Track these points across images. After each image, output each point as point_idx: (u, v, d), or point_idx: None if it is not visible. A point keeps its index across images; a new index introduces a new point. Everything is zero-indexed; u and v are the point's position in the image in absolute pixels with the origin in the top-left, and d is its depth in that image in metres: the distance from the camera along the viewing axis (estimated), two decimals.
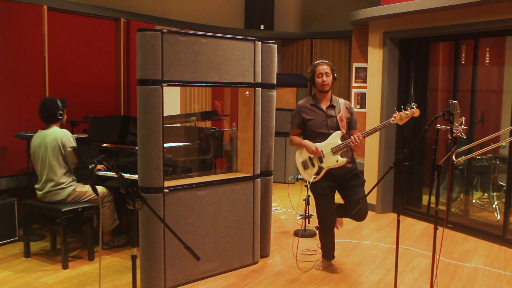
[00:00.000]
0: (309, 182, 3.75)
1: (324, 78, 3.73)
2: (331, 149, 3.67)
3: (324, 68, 3.74)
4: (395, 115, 3.55)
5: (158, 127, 3.31)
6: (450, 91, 5.53)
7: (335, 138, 3.69)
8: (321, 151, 3.67)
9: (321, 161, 3.70)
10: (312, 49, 7.94)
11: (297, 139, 3.87)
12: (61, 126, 4.11)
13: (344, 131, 3.73)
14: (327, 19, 8.17)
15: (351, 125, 3.82)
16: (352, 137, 3.61)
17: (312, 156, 3.74)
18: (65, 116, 4.14)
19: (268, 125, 4.04)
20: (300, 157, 3.85)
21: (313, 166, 3.75)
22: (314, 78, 3.78)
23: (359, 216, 3.78)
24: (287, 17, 8.28)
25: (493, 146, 3.48)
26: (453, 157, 3.02)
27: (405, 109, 3.53)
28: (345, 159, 3.68)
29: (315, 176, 3.71)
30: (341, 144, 3.65)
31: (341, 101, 3.83)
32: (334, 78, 3.78)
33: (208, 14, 7.27)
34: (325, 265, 3.97)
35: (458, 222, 5.18)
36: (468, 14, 4.72)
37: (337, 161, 3.67)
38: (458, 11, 4.79)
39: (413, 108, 3.51)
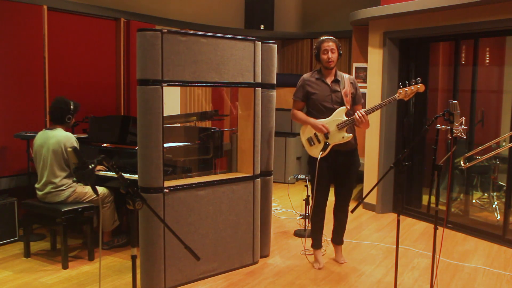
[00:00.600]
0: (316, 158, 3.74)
1: (330, 54, 3.71)
2: (337, 125, 3.69)
3: (330, 44, 3.72)
4: (400, 91, 3.55)
5: (158, 127, 3.31)
6: (450, 91, 5.53)
7: (340, 114, 3.70)
8: (328, 128, 3.68)
9: (327, 137, 3.71)
10: (312, 49, 7.94)
11: (302, 115, 3.85)
12: (66, 129, 4.10)
13: (348, 107, 3.74)
14: (327, 19, 8.17)
15: (355, 101, 3.83)
16: (356, 114, 3.60)
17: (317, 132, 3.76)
18: (73, 121, 4.13)
19: (268, 125, 4.04)
20: (305, 133, 3.84)
21: (319, 142, 3.75)
22: (319, 54, 3.77)
23: (344, 203, 3.94)
24: (287, 17, 8.28)
25: (502, 148, 3.43)
26: (461, 162, 3.01)
27: (409, 85, 3.53)
28: (351, 134, 3.71)
29: (321, 152, 3.71)
30: (346, 120, 3.67)
31: (346, 76, 3.83)
32: (339, 54, 3.79)
33: (208, 14, 7.27)
34: (320, 259, 4.00)
35: (458, 222, 5.18)
36: (468, 14, 4.72)
37: (343, 137, 3.69)
38: (458, 11, 4.79)
39: (418, 83, 3.50)
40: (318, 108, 3.76)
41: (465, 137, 3.02)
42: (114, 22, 5.76)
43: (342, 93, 3.73)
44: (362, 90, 6.22)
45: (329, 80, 3.79)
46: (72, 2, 5.29)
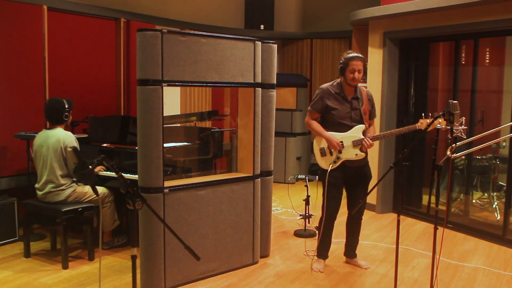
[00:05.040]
0: (325, 170, 3.71)
1: (356, 74, 3.59)
2: (352, 141, 3.65)
3: (359, 64, 3.58)
4: (421, 121, 3.49)
5: (158, 127, 3.31)
6: (450, 91, 5.53)
7: (357, 131, 3.66)
8: (341, 147, 3.64)
9: (340, 152, 3.67)
10: (312, 49, 7.94)
11: (318, 127, 3.75)
12: (66, 127, 4.10)
13: (367, 125, 3.71)
14: (327, 19, 8.17)
15: (370, 116, 3.81)
16: (364, 141, 3.59)
17: None
18: (71, 118, 4.14)
19: (268, 125, 4.04)
20: (319, 143, 3.77)
21: (331, 154, 3.71)
22: (345, 70, 3.62)
23: (357, 215, 3.89)
24: (287, 17, 8.28)
25: (485, 144, 3.44)
26: (448, 152, 3.02)
27: (431, 117, 3.31)
28: (364, 153, 3.68)
29: (331, 164, 3.68)
30: (362, 138, 3.62)
31: (364, 91, 3.77)
32: (365, 72, 3.69)
33: (208, 14, 7.27)
34: (322, 266, 3.94)
35: (458, 222, 5.18)
36: (468, 14, 4.72)
37: (356, 154, 3.67)
38: (458, 11, 4.79)
39: (440, 118, 3.25)
40: (336, 122, 3.69)
41: (465, 137, 3.03)
42: (114, 22, 5.76)
43: (361, 111, 3.68)
44: None
45: (349, 96, 3.70)
46: (72, 2, 5.29)
